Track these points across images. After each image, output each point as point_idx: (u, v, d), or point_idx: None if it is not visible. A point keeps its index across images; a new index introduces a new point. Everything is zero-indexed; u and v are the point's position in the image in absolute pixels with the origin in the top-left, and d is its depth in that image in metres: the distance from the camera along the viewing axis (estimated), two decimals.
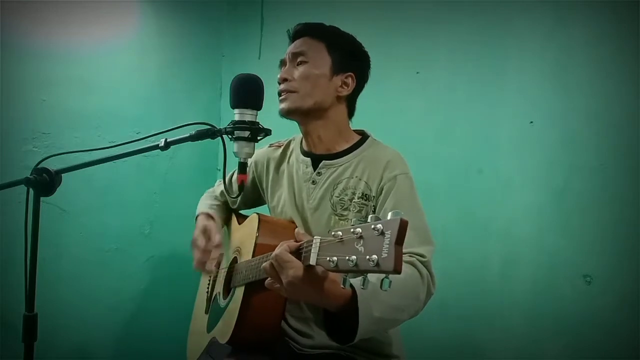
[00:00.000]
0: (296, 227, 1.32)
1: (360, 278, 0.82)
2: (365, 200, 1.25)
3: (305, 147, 1.38)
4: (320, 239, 0.88)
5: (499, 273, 1.65)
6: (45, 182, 1.05)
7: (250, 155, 1.04)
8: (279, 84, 1.31)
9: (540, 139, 1.60)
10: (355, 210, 1.25)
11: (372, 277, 0.85)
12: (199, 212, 1.54)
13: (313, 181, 1.32)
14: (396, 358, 1.31)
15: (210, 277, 1.57)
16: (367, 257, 0.74)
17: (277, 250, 0.95)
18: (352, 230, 0.79)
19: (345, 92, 1.31)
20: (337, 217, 1.26)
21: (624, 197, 1.46)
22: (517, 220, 1.63)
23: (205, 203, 1.58)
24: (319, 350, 1.28)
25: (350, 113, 1.37)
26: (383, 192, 1.23)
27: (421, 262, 1.14)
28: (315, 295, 0.95)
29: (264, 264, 1.00)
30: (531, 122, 1.62)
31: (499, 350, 1.64)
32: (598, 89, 1.51)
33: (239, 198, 1.54)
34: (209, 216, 1.50)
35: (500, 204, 1.67)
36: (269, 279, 1.00)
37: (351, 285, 0.97)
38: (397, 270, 0.71)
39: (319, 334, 1.27)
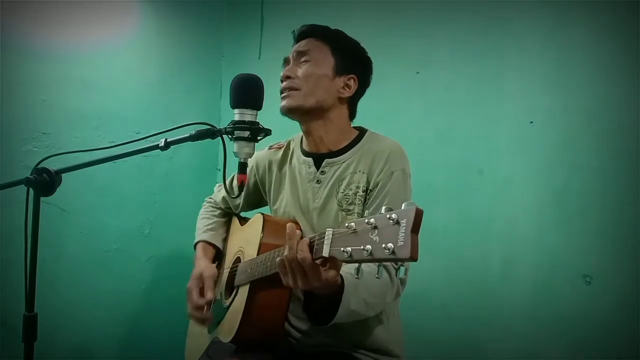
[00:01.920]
0: (299, 227, 1.32)
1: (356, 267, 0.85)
2: (366, 194, 1.26)
3: (306, 148, 1.38)
4: (333, 231, 0.89)
5: (499, 273, 1.65)
6: (45, 182, 1.05)
7: (250, 155, 1.04)
8: (282, 81, 1.32)
9: (540, 139, 1.60)
10: (360, 204, 1.26)
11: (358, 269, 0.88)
12: (197, 239, 1.54)
13: (317, 180, 1.32)
14: (397, 357, 1.32)
15: None
16: (383, 245, 0.75)
17: (299, 255, 0.95)
18: (366, 221, 0.80)
19: (347, 93, 1.32)
20: (344, 213, 1.27)
21: (624, 197, 1.46)
22: (517, 220, 1.63)
23: (203, 224, 1.57)
24: (321, 348, 1.29)
25: (352, 115, 1.38)
26: (378, 186, 1.24)
27: (395, 268, 1.16)
28: (318, 286, 0.99)
29: (278, 259, 1.01)
30: (531, 122, 1.62)
31: (499, 350, 1.64)
32: (598, 89, 1.51)
33: (242, 200, 1.54)
34: (207, 245, 1.52)
35: (500, 204, 1.67)
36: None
37: (341, 276, 1.02)
38: (413, 258, 0.72)
39: (321, 332, 1.28)
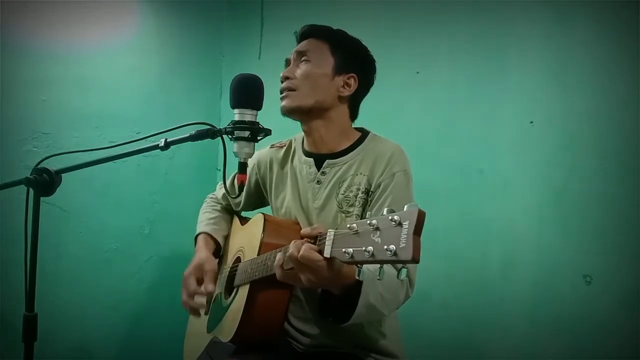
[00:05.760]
0: (300, 227, 1.32)
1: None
2: (367, 195, 1.26)
3: (307, 148, 1.38)
4: (335, 232, 0.89)
5: (499, 273, 1.65)
6: (45, 182, 1.05)
7: (250, 155, 1.04)
8: (281, 82, 1.32)
9: (540, 139, 1.60)
10: (359, 205, 1.25)
11: (371, 267, 0.90)
12: (199, 230, 1.53)
13: (318, 181, 1.32)
14: (396, 357, 1.31)
15: None
16: (385, 247, 0.75)
17: (302, 252, 0.94)
18: (368, 222, 0.80)
19: (347, 92, 1.32)
20: (343, 214, 1.27)
21: (624, 197, 1.46)
22: (517, 220, 1.63)
23: (206, 217, 1.57)
24: (320, 349, 1.29)
25: (353, 115, 1.37)
26: (380, 187, 1.24)
27: (397, 269, 1.17)
28: (328, 284, 1.00)
29: (279, 255, 1.03)
30: (531, 122, 1.62)
31: (499, 350, 1.64)
32: (598, 89, 1.51)
33: (243, 200, 1.54)
34: (209, 238, 1.51)
35: (500, 204, 1.67)
36: (283, 268, 1.03)
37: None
38: (415, 260, 0.72)
39: (321, 333, 1.28)
